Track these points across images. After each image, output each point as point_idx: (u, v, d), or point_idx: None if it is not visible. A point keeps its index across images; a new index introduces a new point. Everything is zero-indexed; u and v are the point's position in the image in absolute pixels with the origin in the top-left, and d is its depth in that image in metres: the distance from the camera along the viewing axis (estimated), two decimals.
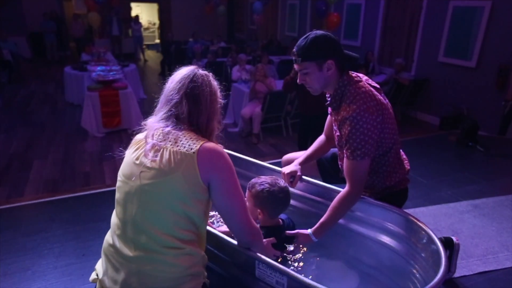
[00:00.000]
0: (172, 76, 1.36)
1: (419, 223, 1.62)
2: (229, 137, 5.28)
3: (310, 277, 1.60)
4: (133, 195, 1.23)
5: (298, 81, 1.75)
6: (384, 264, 1.73)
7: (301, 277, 1.29)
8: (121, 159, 1.38)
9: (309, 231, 1.68)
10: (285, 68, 7.13)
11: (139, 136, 1.34)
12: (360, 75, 1.74)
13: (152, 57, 13.30)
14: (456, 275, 2.12)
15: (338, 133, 1.73)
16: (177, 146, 1.21)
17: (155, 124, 1.29)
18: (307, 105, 3.63)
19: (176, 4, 13.63)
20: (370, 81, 1.74)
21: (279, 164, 2.22)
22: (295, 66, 1.71)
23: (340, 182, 2.09)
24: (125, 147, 1.38)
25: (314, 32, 1.64)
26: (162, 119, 1.29)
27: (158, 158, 1.20)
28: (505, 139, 4.68)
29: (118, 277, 1.23)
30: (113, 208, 1.38)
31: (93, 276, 1.38)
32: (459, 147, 4.36)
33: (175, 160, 1.19)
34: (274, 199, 1.67)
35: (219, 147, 1.27)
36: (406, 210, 1.75)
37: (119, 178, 1.32)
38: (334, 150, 2.06)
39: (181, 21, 13.50)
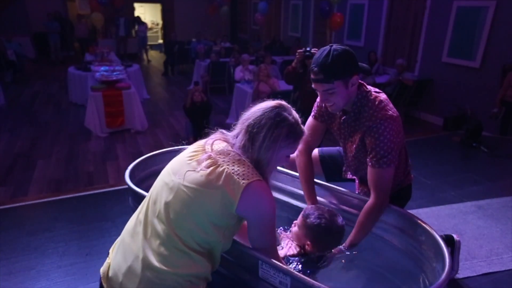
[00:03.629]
0: (260, 103, 1.32)
1: (423, 224, 1.62)
2: None
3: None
4: (170, 189, 1.25)
5: (319, 101, 1.69)
6: (387, 264, 1.73)
7: (305, 277, 1.29)
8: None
9: (340, 248, 1.64)
10: (286, 69, 7.10)
11: (202, 142, 1.34)
12: (363, 83, 1.73)
13: (155, 57, 13.34)
14: (460, 276, 2.11)
15: (355, 145, 1.71)
16: (232, 169, 1.20)
17: (224, 136, 1.31)
18: (312, 102, 3.61)
19: (179, 5, 13.65)
20: (374, 89, 1.75)
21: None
22: (317, 86, 1.59)
23: (343, 180, 2.09)
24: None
25: (333, 48, 1.54)
26: (232, 137, 1.31)
27: (209, 170, 1.20)
28: (509, 139, 4.66)
29: (124, 264, 1.25)
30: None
31: (106, 261, 1.39)
32: (463, 147, 4.35)
33: (223, 180, 1.18)
34: (328, 237, 1.58)
35: (268, 189, 1.24)
36: (409, 211, 1.75)
37: (166, 168, 1.33)
38: (337, 148, 2.06)
39: (184, 22, 13.53)
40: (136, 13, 13.40)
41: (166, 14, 14.03)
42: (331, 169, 2.12)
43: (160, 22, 15.72)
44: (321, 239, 1.57)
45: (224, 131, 1.35)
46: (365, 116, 1.63)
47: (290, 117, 1.27)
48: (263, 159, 1.25)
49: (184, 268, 1.21)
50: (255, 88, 5.25)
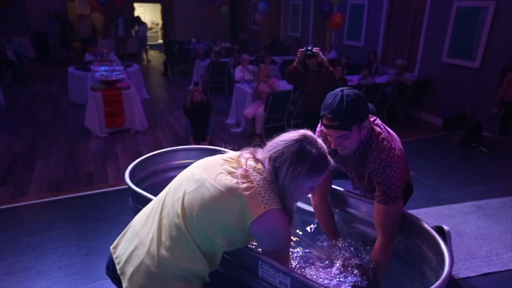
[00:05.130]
0: (284, 134, 1.32)
1: (422, 224, 1.62)
2: (232, 137, 5.29)
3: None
4: (195, 181, 1.26)
5: (332, 146, 1.64)
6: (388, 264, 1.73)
7: (304, 277, 1.29)
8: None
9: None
10: (287, 68, 7.11)
11: (236, 153, 1.36)
12: None
13: (155, 57, 13.34)
14: (460, 276, 2.11)
15: (364, 182, 1.72)
16: (260, 190, 1.21)
17: (256, 157, 1.31)
18: (313, 102, 3.61)
19: (179, 5, 13.65)
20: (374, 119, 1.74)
21: None
22: (332, 132, 1.57)
23: (343, 178, 2.10)
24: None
25: (346, 94, 1.51)
26: (262, 159, 1.30)
27: (240, 180, 1.21)
28: (509, 139, 4.67)
29: (130, 246, 1.28)
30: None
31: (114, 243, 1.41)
32: (462, 147, 4.35)
33: (249, 194, 1.19)
34: None
35: (286, 223, 1.25)
36: (409, 211, 1.75)
37: (196, 163, 1.35)
38: None
39: (184, 22, 13.53)
40: (136, 13, 13.41)
41: (166, 14, 14.03)
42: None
43: (160, 22, 15.73)
44: None
45: (257, 150, 1.34)
46: (370, 158, 1.63)
47: (314, 151, 1.24)
48: (286, 191, 1.24)
49: (183, 261, 1.22)
50: (255, 88, 5.25)
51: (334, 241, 1.82)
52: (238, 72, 6.58)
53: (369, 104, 1.68)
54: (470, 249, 2.35)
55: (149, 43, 13.49)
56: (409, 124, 5.86)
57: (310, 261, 1.72)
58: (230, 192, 1.20)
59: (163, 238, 1.23)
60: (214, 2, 11.32)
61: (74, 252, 2.37)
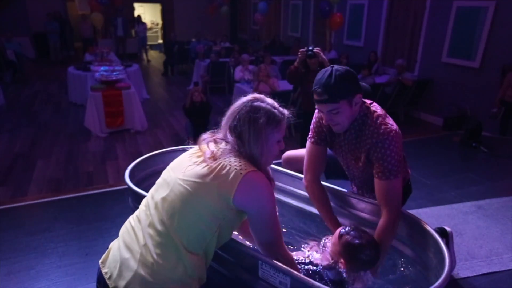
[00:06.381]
0: (234, 103, 1.36)
1: (422, 224, 1.62)
2: None
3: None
4: (167, 184, 1.29)
5: (324, 121, 1.67)
6: (387, 264, 1.73)
7: (304, 277, 1.29)
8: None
9: (369, 275, 1.60)
10: (288, 68, 7.11)
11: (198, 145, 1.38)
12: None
13: (155, 57, 13.34)
14: (460, 276, 2.11)
15: (361, 162, 1.71)
16: (229, 161, 1.24)
17: (216, 137, 1.34)
18: (312, 103, 3.61)
19: (179, 5, 13.65)
20: (368, 101, 1.75)
21: (281, 164, 2.22)
22: (322, 107, 1.61)
23: (341, 178, 2.10)
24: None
25: (335, 69, 1.56)
26: (223, 137, 1.34)
27: (208, 163, 1.24)
28: (509, 139, 4.67)
29: (120, 257, 1.26)
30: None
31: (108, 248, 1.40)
32: (462, 147, 4.35)
33: (221, 171, 1.22)
34: (361, 258, 1.56)
35: (265, 179, 1.26)
36: (409, 211, 1.75)
37: (167, 167, 1.37)
38: None
39: (184, 22, 13.53)
40: (136, 13, 13.40)
41: (166, 14, 14.03)
42: (330, 167, 2.13)
43: (160, 22, 15.72)
44: (354, 260, 1.55)
45: (214, 132, 1.38)
46: (366, 134, 1.64)
47: (264, 105, 1.31)
48: (255, 152, 1.28)
49: (177, 266, 1.22)
50: (255, 88, 5.25)
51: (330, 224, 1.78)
52: (238, 72, 6.57)
53: (363, 84, 1.68)
54: (470, 249, 2.35)
55: (149, 43, 13.49)
56: (409, 124, 5.85)
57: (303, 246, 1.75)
58: (203, 178, 1.22)
59: (153, 247, 1.22)
60: (214, 2, 11.32)
61: (74, 252, 2.37)
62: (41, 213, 2.96)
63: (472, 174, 3.55)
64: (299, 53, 3.63)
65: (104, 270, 1.29)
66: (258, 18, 9.37)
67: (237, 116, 1.30)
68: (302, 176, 1.96)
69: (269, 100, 1.34)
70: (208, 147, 1.31)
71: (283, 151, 1.94)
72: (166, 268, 1.20)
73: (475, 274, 2.13)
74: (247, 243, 1.70)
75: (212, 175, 1.22)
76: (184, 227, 1.22)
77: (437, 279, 1.30)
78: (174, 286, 1.21)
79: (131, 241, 1.27)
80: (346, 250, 1.56)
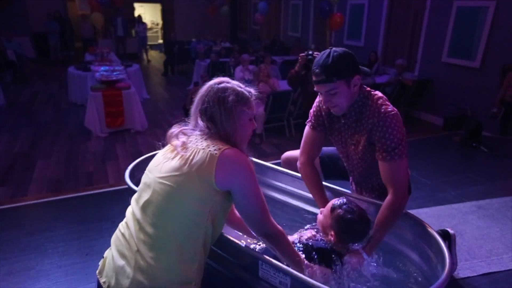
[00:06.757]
0: (199, 91, 1.38)
1: (422, 224, 1.62)
2: None
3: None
4: (148, 187, 1.29)
5: (323, 103, 1.70)
6: (387, 263, 1.73)
7: (304, 277, 1.29)
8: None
9: (359, 249, 1.60)
10: (288, 68, 7.11)
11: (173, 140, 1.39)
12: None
13: (155, 57, 13.34)
14: (460, 276, 2.11)
15: (360, 146, 1.70)
16: (202, 146, 1.25)
17: (188, 127, 1.37)
18: (312, 104, 3.62)
19: (179, 5, 13.65)
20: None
21: (280, 164, 2.22)
22: (320, 87, 1.62)
23: (340, 178, 2.10)
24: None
25: (334, 50, 1.58)
26: (193, 127, 1.36)
27: (182, 153, 1.25)
28: (509, 139, 4.67)
29: (116, 264, 1.26)
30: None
31: (103, 257, 1.41)
32: (462, 147, 4.35)
33: (197, 157, 1.22)
34: (352, 231, 1.57)
35: (241, 153, 1.27)
36: (409, 211, 1.75)
37: (145, 172, 1.38)
38: (334, 148, 2.06)
39: (184, 21, 13.53)
40: (136, 13, 13.40)
41: (166, 14, 14.03)
42: (329, 168, 2.14)
43: (160, 22, 15.72)
44: (344, 232, 1.56)
45: (181, 124, 1.39)
46: (367, 114, 1.64)
47: (230, 85, 1.33)
48: (229, 130, 1.30)
49: (174, 266, 1.21)
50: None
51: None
52: (238, 72, 6.57)
53: (364, 68, 1.70)
54: (470, 249, 2.35)
55: (149, 43, 13.48)
56: (409, 124, 5.85)
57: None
58: (180, 169, 1.22)
59: (147, 251, 1.21)
60: (214, 2, 11.31)
61: (74, 252, 2.37)
62: (41, 213, 2.96)
63: (472, 174, 3.55)
64: (299, 57, 3.65)
65: (102, 280, 1.29)
66: (258, 18, 9.37)
67: (206, 99, 1.31)
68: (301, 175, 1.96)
69: (234, 82, 1.37)
70: (178, 139, 1.32)
71: (282, 151, 1.95)
72: (163, 270, 1.20)
73: (475, 274, 2.13)
74: (249, 242, 1.70)
75: (188, 164, 1.22)
76: (175, 224, 1.22)
77: (437, 279, 1.30)
78: (174, 286, 1.21)
79: (123, 248, 1.27)
80: (337, 223, 1.57)
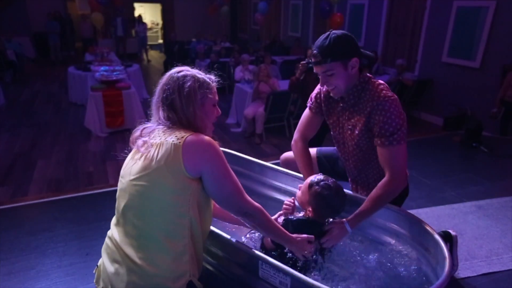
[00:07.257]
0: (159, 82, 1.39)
1: (422, 224, 1.62)
2: (232, 137, 5.29)
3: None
4: (124, 191, 1.30)
5: (320, 84, 1.71)
6: (387, 263, 1.73)
7: (305, 277, 1.29)
8: (124, 159, 1.41)
9: (343, 220, 1.60)
10: (288, 68, 7.11)
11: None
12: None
13: (155, 57, 13.33)
14: (460, 276, 2.11)
15: (357, 130, 1.70)
16: (165, 138, 1.25)
17: (149, 125, 1.36)
18: None
19: (179, 5, 13.65)
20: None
21: (279, 164, 2.22)
22: (317, 68, 1.63)
23: (339, 179, 2.09)
24: (128, 147, 1.40)
25: (333, 32, 1.61)
26: (155, 122, 1.36)
27: (147, 151, 1.25)
28: (509, 139, 4.67)
29: (110, 268, 1.27)
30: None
31: (98, 264, 1.42)
32: (463, 147, 4.34)
33: (162, 151, 1.22)
34: (329, 207, 1.61)
35: (204, 137, 1.26)
36: (409, 211, 1.75)
37: (119, 179, 1.38)
38: (334, 148, 2.05)
39: (184, 22, 13.53)
40: (136, 13, 13.40)
41: (166, 14, 14.03)
42: (326, 168, 2.14)
43: (160, 22, 15.72)
44: (321, 207, 1.61)
45: (143, 122, 1.39)
46: (366, 98, 1.64)
47: (190, 72, 1.34)
48: (189, 115, 1.30)
49: (164, 263, 1.22)
50: (255, 88, 5.25)
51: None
52: (238, 72, 6.57)
53: (367, 52, 1.70)
54: (470, 249, 2.35)
55: (149, 43, 13.48)
56: (409, 124, 5.79)
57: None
58: (149, 166, 1.22)
59: (135, 252, 1.23)
60: (214, 2, 11.32)
61: (74, 252, 2.37)
62: (41, 213, 2.96)
63: (472, 174, 3.54)
64: (300, 65, 3.69)
65: (99, 287, 1.32)
66: (258, 18, 9.37)
67: (166, 87, 1.32)
68: (301, 175, 1.96)
69: (194, 69, 1.37)
70: (140, 139, 1.31)
71: (282, 151, 1.95)
72: (154, 268, 1.21)
73: (475, 274, 2.13)
74: (247, 241, 1.70)
75: (155, 160, 1.22)
76: (157, 220, 1.23)
77: (437, 279, 1.30)
78: (169, 282, 1.22)
79: (113, 254, 1.28)
80: (315, 199, 1.62)
